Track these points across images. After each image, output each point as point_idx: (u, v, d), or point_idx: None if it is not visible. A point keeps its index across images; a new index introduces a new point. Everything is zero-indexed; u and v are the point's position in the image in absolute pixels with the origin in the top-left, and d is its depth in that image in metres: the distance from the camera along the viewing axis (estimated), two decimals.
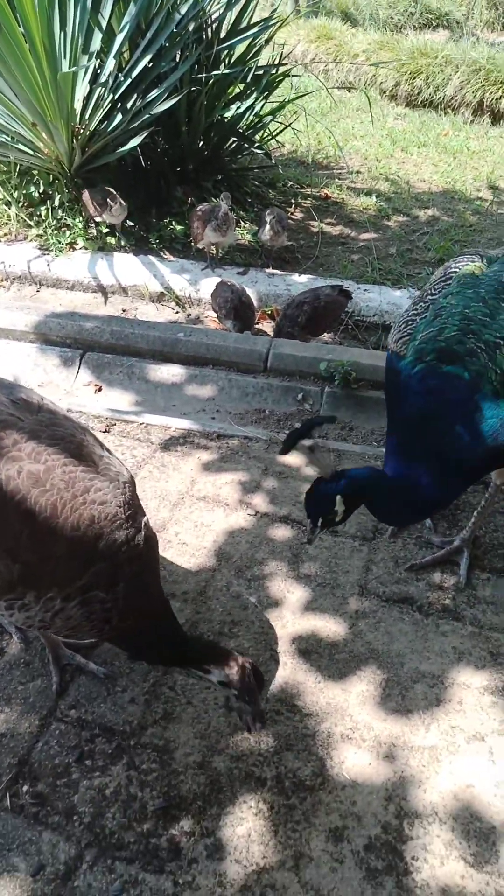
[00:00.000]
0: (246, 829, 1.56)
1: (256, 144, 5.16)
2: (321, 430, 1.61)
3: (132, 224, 4.64)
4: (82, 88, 4.13)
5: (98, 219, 4.27)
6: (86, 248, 4.31)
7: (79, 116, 4.20)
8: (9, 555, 1.44)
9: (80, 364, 3.20)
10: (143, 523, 1.61)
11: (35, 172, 4.55)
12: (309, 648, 1.96)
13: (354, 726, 1.78)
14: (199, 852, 1.52)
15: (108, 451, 1.71)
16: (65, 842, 1.52)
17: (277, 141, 5.82)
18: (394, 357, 1.82)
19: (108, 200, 4.14)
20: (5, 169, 4.64)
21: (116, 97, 4.17)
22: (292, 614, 2.06)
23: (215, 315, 3.78)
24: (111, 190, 4.23)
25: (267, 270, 4.19)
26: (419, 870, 1.50)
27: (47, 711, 1.77)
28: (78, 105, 4.16)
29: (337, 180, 5.88)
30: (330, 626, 2.02)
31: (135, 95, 4.20)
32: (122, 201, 4.17)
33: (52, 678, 1.83)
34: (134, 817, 1.57)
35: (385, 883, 1.48)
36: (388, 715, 1.80)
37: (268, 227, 4.08)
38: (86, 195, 4.28)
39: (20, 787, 1.62)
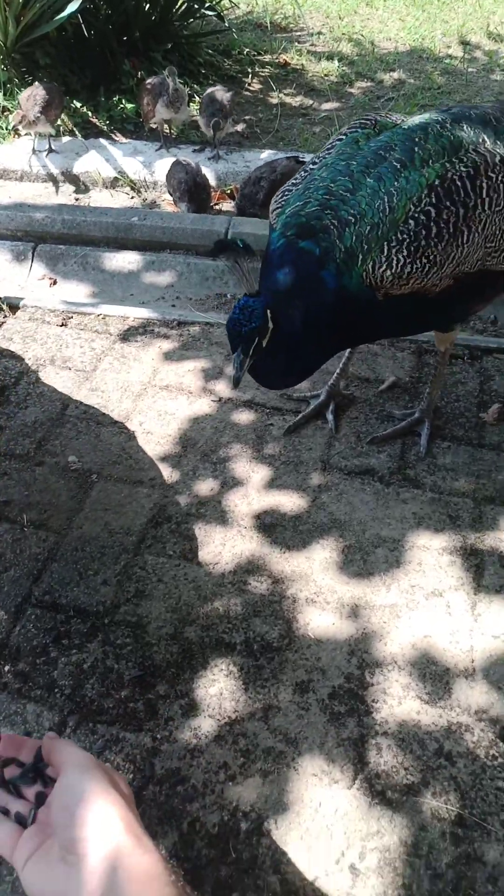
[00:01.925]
0: (218, 688, 1.67)
1: (207, 5, 4.78)
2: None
3: (79, 105, 4.35)
4: None
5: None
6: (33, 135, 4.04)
7: None
8: None
9: (32, 257, 3.09)
10: None
11: None
12: (273, 522, 2.03)
13: (318, 590, 1.86)
14: (175, 711, 1.63)
15: None
16: (48, 711, 1.62)
17: (231, 1, 5.38)
18: (269, 229, 1.82)
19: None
20: None
21: None
22: (257, 492, 2.11)
23: (171, 198, 3.62)
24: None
25: (223, 147, 3.97)
26: (378, 710, 1.63)
27: (22, 598, 1.84)
28: None
29: (296, 44, 5.49)
30: (293, 501, 2.08)
31: None
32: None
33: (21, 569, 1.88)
34: (112, 686, 1.67)
35: (347, 723, 1.60)
36: (350, 578, 1.89)
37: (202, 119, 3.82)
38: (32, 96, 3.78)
39: (2, 667, 1.71)
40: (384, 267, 1.67)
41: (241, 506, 2.07)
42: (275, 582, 1.88)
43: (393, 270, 1.67)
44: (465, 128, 1.81)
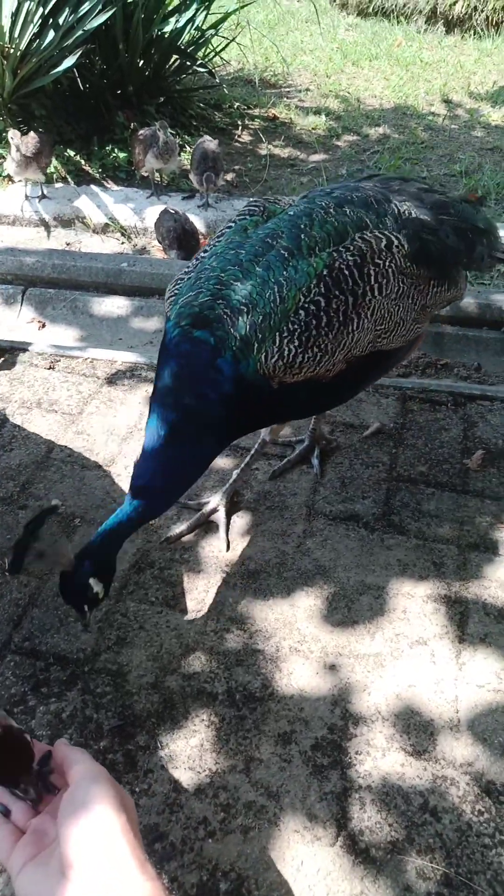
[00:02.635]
0: (199, 739, 1.63)
1: (199, 62, 4.94)
2: (48, 526, 1.53)
3: (72, 153, 4.45)
4: (9, 3, 3.88)
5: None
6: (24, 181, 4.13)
7: (7, 35, 3.96)
8: None
9: (22, 300, 3.12)
10: None
11: None
12: (258, 568, 2.01)
13: (302, 639, 1.84)
14: (155, 763, 1.59)
15: None
16: None
17: (222, 58, 5.58)
18: (166, 318, 1.82)
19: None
20: None
21: (46, 11, 3.94)
22: (241, 537, 2.10)
23: (161, 245, 3.69)
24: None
25: (213, 195, 4.06)
26: (362, 762, 1.60)
27: (1, 645, 1.81)
28: (6, 22, 3.93)
29: (285, 99, 5.68)
30: (278, 546, 2.07)
31: (66, 9, 3.96)
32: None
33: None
34: (91, 736, 1.63)
35: (330, 776, 1.57)
36: (334, 627, 1.87)
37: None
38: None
39: None
40: (276, 357, 1.65)
41: (225, 551, 2.06)
42: (258, 630, 1.86)
43: (285, 360, 1.66)
44: (348, 213, 1.81)
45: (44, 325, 3.04)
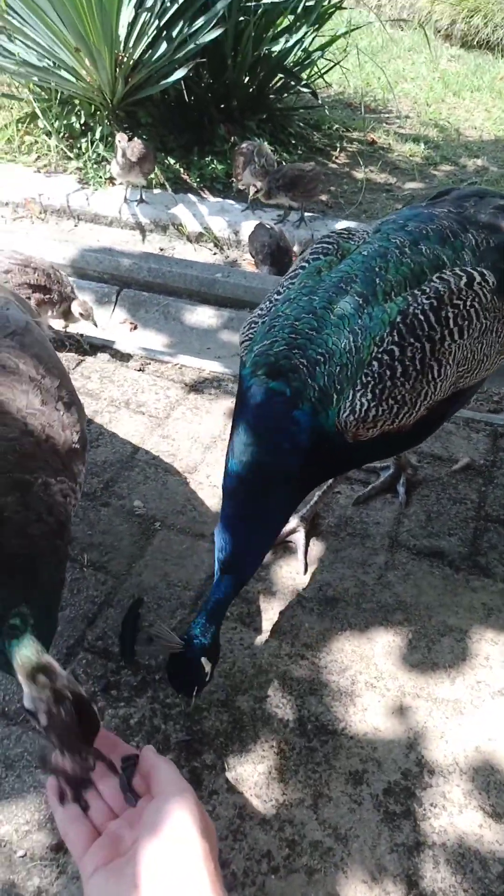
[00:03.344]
0: (266, 766, 1.58)
1: (303, 83, 4.96)
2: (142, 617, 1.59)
3: (173, 161, 4.52)
4: (127, 13, 3.97)
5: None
6: (126, 185, 4.20)
7: (122, 44, 4.05)
8: None
9: (116, 301, 3.15)
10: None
11: (76, 102, 4.44)
12: (336, 596, 1.95)
13: (379, 675, 1.77)
14: (220, 785, 1.54)
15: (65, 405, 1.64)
16: None
17: (325, 80, 5.60)
18: (240, 362, 1.76)
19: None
20: (46, 97, 4.53)
21: (162, 24, 4.01)
22: (320, 562, 2.05)
23: (253, 259, 3.69)
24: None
25: (308, 214, 4.06)
26: (437, 816, 1.51)
27: (74, 641, 1.79)
28: (122, 31, 4.01)
29: (384, 125, 5.66)
30: (358, 576, 2.01)
31: (181, 23, 4.03)
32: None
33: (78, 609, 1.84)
34: (157, 748, 1.56)
35: (402, 826, 1.49)
36: (413, 666, 1.80)
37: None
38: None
39: None
40: (347, 412, 1.57)
41: (303, 573, 2.00)
42: (334, 660, 1.80)
43: (357, 415, 1.57)
44: (423, 251, 1.71)
45: (135, 327, 3.06)
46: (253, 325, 1.75)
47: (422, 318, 1.60)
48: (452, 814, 1.52)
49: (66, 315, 2.76)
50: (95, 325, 2.80)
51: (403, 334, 1.59)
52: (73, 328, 2.90)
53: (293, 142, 5.02)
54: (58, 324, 2.87)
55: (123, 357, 2.82)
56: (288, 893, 1.38)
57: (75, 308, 2.73)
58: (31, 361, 1.65)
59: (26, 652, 1.16)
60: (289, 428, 1.62)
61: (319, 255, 1.77)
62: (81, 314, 2.72)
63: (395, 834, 1.48)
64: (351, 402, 1.57)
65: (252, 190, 4.10)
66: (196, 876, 0.86)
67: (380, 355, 1.57)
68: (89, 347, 2.85)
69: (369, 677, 1.77)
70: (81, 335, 2.87)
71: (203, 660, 1.58)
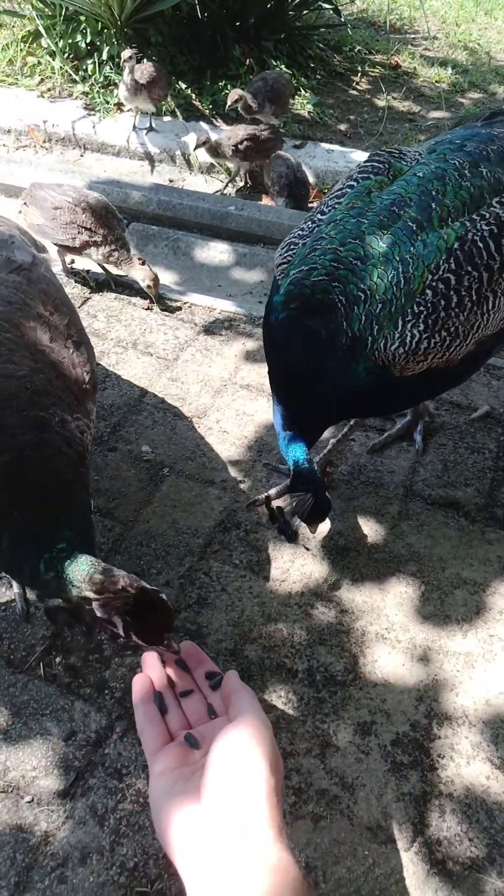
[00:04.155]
0: (275, 716, 1.57)
1: None
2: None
3: (184, 86, 4.28)
4: None
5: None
6: (135, 111, 3.99)
7: None
8: None
9: None
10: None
11: (82, 19, 4.18)
12: (347, 545, 1.91)
13: (390, 626, 1.75)
14: None
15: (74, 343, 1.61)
16: (96, 712, 1.55)
17: None
18: (273, 285, 1.66)
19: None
20: (50, 13, 4.27)
21: None
22: (333, 511, 2.00)
23: (269, 191, 3.52)
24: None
25: (323, 145, 3.86)
26: (444, 767, 1.50)
27: None
28: None
29: (410, 46, 5.33)
30: (370, 526, 1.96)
31: None
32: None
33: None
34: None
35: (409, 776, 1.49)
36: (425, 618, 1.77)
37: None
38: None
39: (53, 657, 1.64)
40: (396, 344, 1.49)
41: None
42: (344, 610, 1.77)
43: (407, 347, 1.50)
44: (485, 174, 1.60)
45: (143, 263, 2.94)
46: (292, 247, 1.66)
47: (481, 245, 1.52)
48: (460, 765, 1.51)
49: (118, 261, 2.60)
50: (153, 302, 2.64)
51: (461, 262, 1.50)
52: (79, 264, 2.79)
53: (312, 65, 4.75)
54: (112, 269, 2.74)
55: (131, 293, 2.71)
56: (294, 839, 1.38)
57: (142, 278, 2.56)
58: (38, 297, 1.58)
59: (83, 566, 1.25)
60: (320, 377, 1.60)
61: (369, 174, 1.66)
62: (149, 286, 2.56)
63: (402, 783, 1.48)
64: (400, 333, 1.49)
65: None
66: (255, 808, 0.88)
67: (434, 283, 1.49)
68: (95, 284, 2.74)
69: (380, 628, 1.74)
70: (87, 271, 2.76)
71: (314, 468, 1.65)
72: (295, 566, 1.86)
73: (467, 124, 1.96)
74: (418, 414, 2.21)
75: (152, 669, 1.04)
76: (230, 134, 3.40)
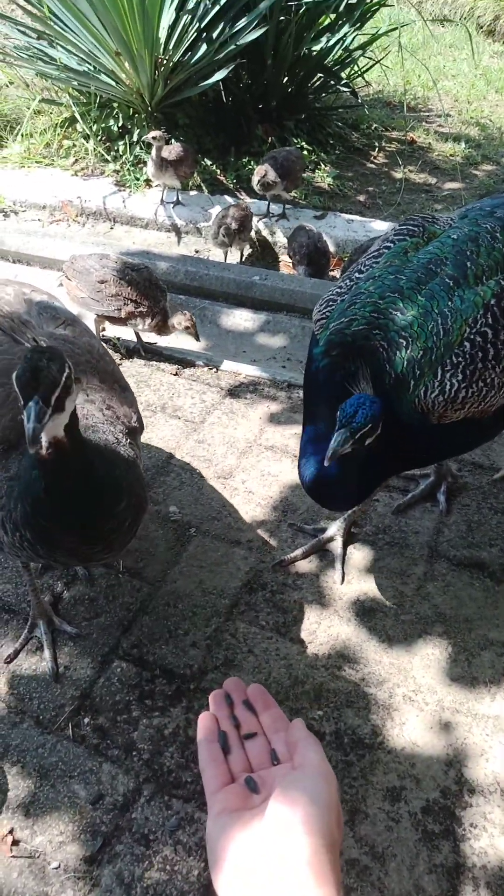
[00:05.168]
0: None
1: (343, 81, 4.91)
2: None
3: (209, 162, 4.51)
4: (168, 16, 3.97)
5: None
6: (162, 186, 4.20)
7: (163, 46, 4.05)
8: None
9: None
10: None
11: (115, 105, 4.46)
12: (373, 607, 1.92)
13: (417, 689, 1.74)
14: None
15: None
16: (124, 775, 1.55)
17: (364, 79, 5.54)
18: (312, 339, 1.71)
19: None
20: (85, 101, 4.56)
21: (203, 26, 4.00)
22: (358, 571, 2.01)
23: (289, 260, 3.66)
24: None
25: (343, 216, 4.02)
26: (477, 838, 1.47)
27: (109, 649, 1.79)
28: (162, 34, 4.01)
29: (424, 124, 5.58)
30: (396, 586, 1.97)
31: (221, 24, 4.02)
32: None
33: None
34: (192, 758, 1.58)
35: (441, 847, 1.45)
36: (452, 680, 1.75)
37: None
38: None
39: (82, 718, 1.65)
40: (436, 392, 1.55)
41: (340, 583, 1.97)
42: (371, 672, 1.77)
43: (447, 395, 1.55)
44: None
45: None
46: (331, 303, 1.73)
47: None
48: (493, 835, 1.48)
49: (160, 329, 2.70)
50: (197, 339, 2.74)
51: (497, 317, 1.59)
52: (110, 332, 2.91)
53: (331, 141, 4.98)
54: (151, 337, 2.85)
55: (159, 360, 2.81)
56: None
57: (178, 321, 2.66)
58: (84, 347, 1.67)
59: None
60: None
61: (405, 235, 1.77)
62: (187, 328, 2.66)
63: (434, 854, 1.45)
64: (440, 382, 1.55)
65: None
66: (314, 864, 0.85)
67: (472, 336, 1.57)
68: (125, 351, 2.85)
69: (407, 690, 1.73)
70: (118, 339, 2.87)
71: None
72: (322, 627, 1.87)
73: (495, 195, 2.06)
74: (441, 474, 2.24)
75: (219, 708, 1.05)
76: (230, 220, 3.47)
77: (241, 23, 4.01)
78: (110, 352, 2.81)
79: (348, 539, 2.09)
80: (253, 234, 3.70)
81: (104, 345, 1.85)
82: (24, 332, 1.56)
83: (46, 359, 1.13)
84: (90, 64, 4.16)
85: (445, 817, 1.50)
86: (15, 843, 1.42)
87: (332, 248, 3.74)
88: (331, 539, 2.08)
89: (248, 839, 0.87)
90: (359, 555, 2.06)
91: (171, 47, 4.07)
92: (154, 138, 3.72)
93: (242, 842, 0.87)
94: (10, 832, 1.43)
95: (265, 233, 3.91)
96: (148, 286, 2.65)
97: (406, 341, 1.57)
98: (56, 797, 1.51)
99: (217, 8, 3.92)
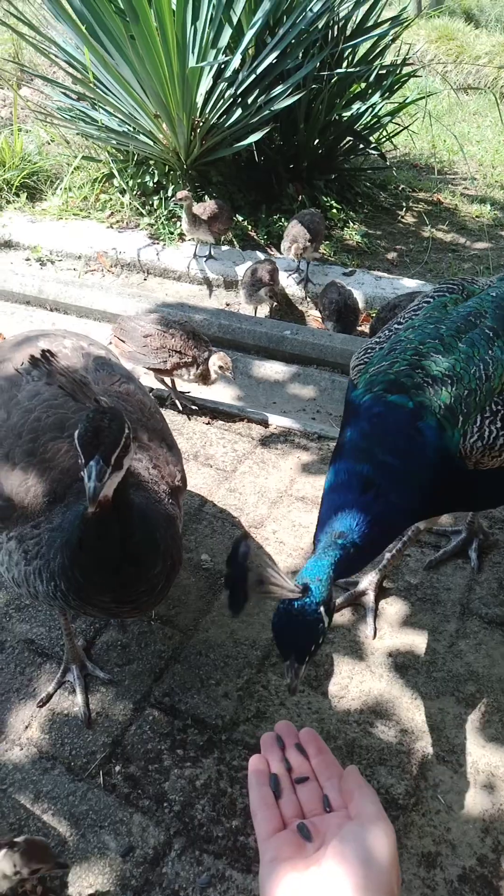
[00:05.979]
0: None
1: (372, 145, 5.09)
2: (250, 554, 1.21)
3: (241, 219, 4.66)
4: (206, 83, 4.17)
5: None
6: (195, 241, 4.34)
7: (199, 110, 4.24)
8: None
9: None
10: None
11: (151, 162, 4.64)
12: (406, 663, 1.91)
13: (451, 749, 1.71)
14: None
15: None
16: (154, 827, 1.53)
17: (392, 143, 5.72)
18: (349, 386, 1.74)
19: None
20: (123, 158, 4.75)
21: (238, 92, 4.19)
22: (390, 627, 2.01)
23: (318, 315, 3.75)
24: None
25: (372, 273, 4.12)
26: None
27: (141, 696, 1.79)
28: (200, 99, 4.20)
29: (450, 185, 5.74)
30: (428, 643, 1.96)
31: (256, 91, 4.21)
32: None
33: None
34: (223, 812, 1.56)
35: None
36: (486, 742, 1.73)
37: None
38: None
39: (113, 766, 1.64)
40: (475, 437, 1.56)
41: (372, 638, 1.97)
42: (404, 730, 1.75)
43: (485, 442, 1.56)
44: None
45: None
46: (369, 351, 1.76)
47: None
48: None
49: (205, 378, 2.77)
50: (233, 378, 2.81)
51: None
52: (144, 382, 2.97)
53: (360, 200, 5.13)
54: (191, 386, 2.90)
55: (192, 410, 2.87)
56: None
57: (214, 362, 2.73)
58: (137, 405, 1.72)
59: None
60: (413, 436, 1.54)
61: (445, 292, 1.84)
62: (222, 367, 2.72)
63: None
64: (479, 428, 1.56)
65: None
66: None
67: None
68: (157, 400, 2.91)
69: (441, 750, 1.71)
70: (151, 389, 2.94)
71: (322, 610, 1.31)
72: (354, 682, 1.86)
73: None
74: (473, 531, 2.24)
75: (270, 751, 1.04)
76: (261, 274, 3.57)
77: (277, 90, 4.19)
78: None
79: (380, 594, 2.09)
80: (278, 287, 3.80)
81: (155, 402, 1.90)
82: (83, 391, 1.58)
83: (108, 419, 1.17)
84: (130, 125, 4.36)
85: (483, 887, 1.47)
86: (45, 893, 1.41)
87: (360, 304, 3.82)
88: (363, 593, 2.08)
89: (301, 891, 0.86)
90: (391, 610, 2.06)
91: (207, 111, 4.26)
92: (181, 199, 3.85)
93: (295, 893, 0.86)
94: (41, 881, 1.41)
95: (294, 288, 4.01)
96: (191, 338, 2.74)
97: (451, 380, 1.59)
98: (87, 847, 1.49)
99: (253, 77, 4.11)
